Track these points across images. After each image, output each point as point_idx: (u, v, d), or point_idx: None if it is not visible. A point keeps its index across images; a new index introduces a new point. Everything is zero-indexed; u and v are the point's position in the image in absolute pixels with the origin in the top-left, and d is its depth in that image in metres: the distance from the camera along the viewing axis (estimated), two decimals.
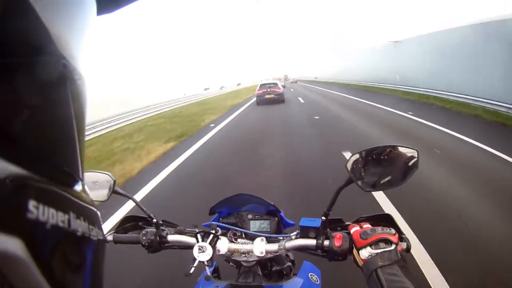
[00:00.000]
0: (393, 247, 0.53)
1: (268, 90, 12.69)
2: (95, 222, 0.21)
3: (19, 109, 0.15)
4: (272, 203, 0.78)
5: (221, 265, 0.85)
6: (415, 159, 0.54)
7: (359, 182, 0.56)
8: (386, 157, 0.55)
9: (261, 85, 13.46)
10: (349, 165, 0.56)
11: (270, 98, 12.46)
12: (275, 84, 13.43)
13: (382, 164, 0.55)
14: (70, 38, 0.19)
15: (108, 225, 2.50)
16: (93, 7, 0.22)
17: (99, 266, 0.21)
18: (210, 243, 0.63)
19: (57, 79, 0.18)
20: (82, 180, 0.21)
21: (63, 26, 0.18)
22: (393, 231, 0.55)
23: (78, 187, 0.20)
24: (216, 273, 0.83)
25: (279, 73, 71.21)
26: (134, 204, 0.73)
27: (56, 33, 0.17)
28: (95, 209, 0.22)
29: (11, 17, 0.14)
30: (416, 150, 0.55)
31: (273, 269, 0.81)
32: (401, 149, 0.55)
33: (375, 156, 0.56)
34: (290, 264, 0.85)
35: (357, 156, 0.56)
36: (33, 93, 0.16)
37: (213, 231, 0.64)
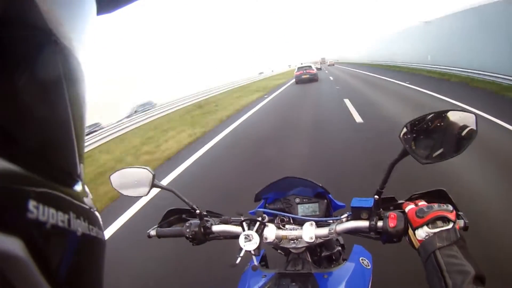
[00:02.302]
0: (451, 225, 0.49)
1: (304, 71, 15.67)
2: (95, 222, 0.21)
3: (12, 98, 0.15)
4: (321, 185, 0.74)
5: (269, 253, 0.82)
6: (470, 127, 0.47)
7: (415, 154, 0.51)
8: (440, 124, 0.50)
9: (298, 67, 16.45)
10: (402, 136, 0.51)
11: (306, 78, 15.42)
12: (310, 66, 16.44)
13: (434, 134, 0.50)
14: (64, 18, 0.18)
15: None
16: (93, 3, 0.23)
17: (100, 266, 0.21)
18: (256, 231, 0.60)
19: (48, 57, 0.17)
20: (82, 179, 0.21)
21: (58, 5, 0.18)
22: (450, 207, 0.51)
23: (78, 187, 0.20)
24: (264, 261, 0.81)
25: (317, 57, 75.28)
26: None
27: (47, 10, 0.16)
28: (95, 209, 0.22)
29: None
30: (474, 115, 0.48)
31: (323, 254, 0.78)
32: (456, 114, 0.49)
33: (425, 126, 0.50)
34: (339, 248, 0.83)
35: (407, 127, 0.52)
36: (25, 77, 0.16)
37: (259, 219, 0.63)
